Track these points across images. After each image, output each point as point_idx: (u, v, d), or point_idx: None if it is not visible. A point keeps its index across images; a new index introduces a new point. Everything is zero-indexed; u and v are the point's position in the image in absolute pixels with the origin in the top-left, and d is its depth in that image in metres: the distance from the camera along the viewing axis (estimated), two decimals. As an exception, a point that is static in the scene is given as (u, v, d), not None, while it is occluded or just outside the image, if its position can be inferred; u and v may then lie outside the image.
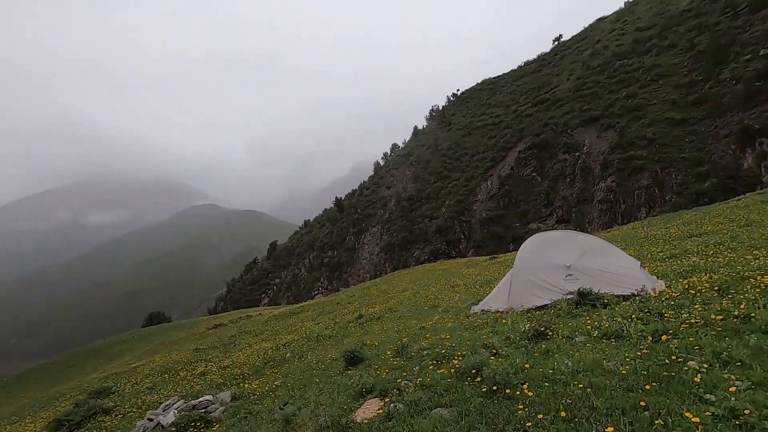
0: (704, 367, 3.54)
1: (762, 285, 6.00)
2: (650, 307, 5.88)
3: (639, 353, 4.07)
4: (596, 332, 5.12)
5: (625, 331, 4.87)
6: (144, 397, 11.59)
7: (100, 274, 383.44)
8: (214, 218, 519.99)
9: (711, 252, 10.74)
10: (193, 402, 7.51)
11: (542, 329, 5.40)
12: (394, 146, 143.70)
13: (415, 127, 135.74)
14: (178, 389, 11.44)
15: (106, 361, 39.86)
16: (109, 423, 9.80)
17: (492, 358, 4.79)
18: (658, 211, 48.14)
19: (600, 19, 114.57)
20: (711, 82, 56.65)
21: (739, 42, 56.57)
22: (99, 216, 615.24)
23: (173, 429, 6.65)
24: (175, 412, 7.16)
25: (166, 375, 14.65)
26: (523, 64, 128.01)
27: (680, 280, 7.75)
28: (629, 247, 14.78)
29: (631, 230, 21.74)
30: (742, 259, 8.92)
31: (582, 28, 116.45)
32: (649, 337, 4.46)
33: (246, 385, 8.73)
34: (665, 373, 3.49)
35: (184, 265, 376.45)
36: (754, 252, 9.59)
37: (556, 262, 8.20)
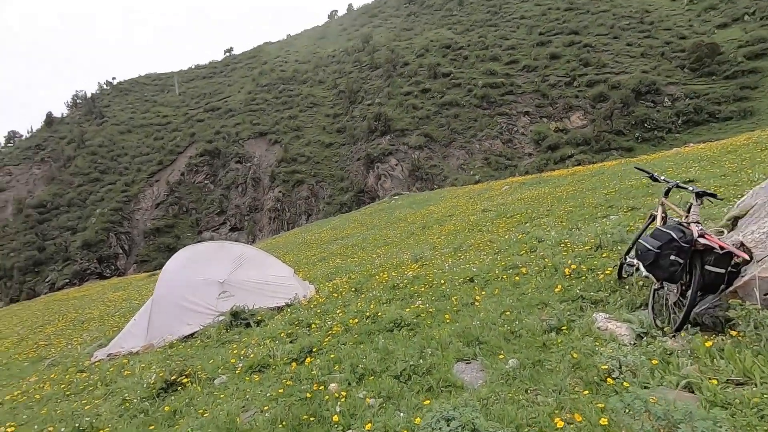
0: (344, 391, 3.18)
1: (383, 281, 6.92)
2: (300, 318, 5.62)
3: (282, 389, 3.40)
4: (241, 365, 4.24)
5: (272, 358, 4.20)
6: None
7: None
8: None
9: (349, 253, 12.46)
10: None
11: (173, 377, 4.05)
12: (14, 134, 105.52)
13: (50, 114, 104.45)
14: None
15: None
16: None
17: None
18: (315, 218, 56.12)
19: (267, 43, 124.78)
20: (347, 116, 71.56)
21: (364, 90, 74.27)
22: None
23: None
24: None
25: None
26: (194, 66, 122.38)
27: (327, 282, 8.22)
28: (289, 253, 15.57)
29: (292, 236, 23.59)
30: (369, 257, 10.61)
31: (252, 47, 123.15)
32: (293, 364, 3.92)
33: None
34: (305, 416, 2.88)
35: None
36: (377, 251, 11.72)
37: (209, 277, 7.04)
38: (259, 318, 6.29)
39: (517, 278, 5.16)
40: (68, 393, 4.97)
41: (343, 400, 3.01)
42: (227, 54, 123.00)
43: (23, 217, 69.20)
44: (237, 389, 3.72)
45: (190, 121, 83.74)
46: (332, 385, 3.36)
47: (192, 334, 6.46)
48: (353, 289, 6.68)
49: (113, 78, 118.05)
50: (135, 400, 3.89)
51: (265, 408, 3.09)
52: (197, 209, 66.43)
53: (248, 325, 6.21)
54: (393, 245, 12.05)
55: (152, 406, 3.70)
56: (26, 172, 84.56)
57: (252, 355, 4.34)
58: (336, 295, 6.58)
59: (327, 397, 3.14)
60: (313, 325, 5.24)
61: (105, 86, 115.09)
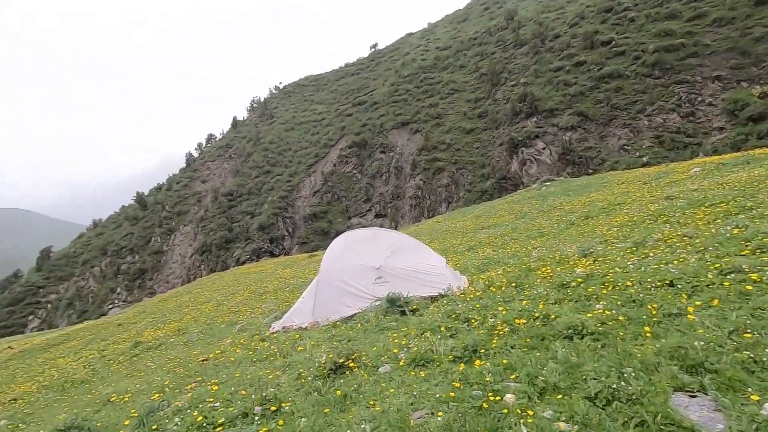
0: (526, 408, 2.76)
1: (547, 277, 6.17)
2: (457, 312, 5.34)
3: (452, 391, 3.14)
4: (404, 356, 4.16)
5: (434, 352, 4.01)
6: None
7: None
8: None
9: (500, 243, 11.74)
10: None
11: (341, 360, 4.18)
12: (211, 137, 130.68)
13: (235, 118, 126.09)
14: None
15: None
16: None
17: (267, 430, 3.27)
18: (455, 206, 55.67)
19: (409, 34, 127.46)
20: (489, 100, 68.59)
21: (508, 70, 70.05)
22: None
23: None
24: None
25: None
26: (344, 65, 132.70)
27: (480, 274, 7.79)
28: (434, 240, 15.54)
29: (435, 223, 23.65)
30: (524, 249, 9.77)
31: (394, 39, 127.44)
32: (461, 365, 3.63)
33: None
34: (483, 430, 2.56)
35: None
36: (532, 242, 10.75)
37: (365, 263, 7.30)
38: (413, 307, 6.24)
39: (746, 287, 3.94)
40: (254, 359, 5.68)
41: (529, 420, 2.59)
42: (372, 50, 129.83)
43: (218, 203, 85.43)
44: (402, 382, 3.61)
45: (341, 115, 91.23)
46: (508, 396, 2.97)
47: (351, 316, 6.78)
48: (513, 284, 6.11)
49: (280, 83, 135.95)
50: (309, 378, 4.13)
51: (438, 412, 2.87)
52: (347, 197, 72.37)
53: (403, 312, 6.21)
54: (549, 236, 10.92)
55: (324, 386, 3.86)
56: (219, 167, 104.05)
57: (414, 348, 4.22)
58: (493, 289, 6.11)
59: (506, 410, 2.76)
60: (472, 321, 4.90)
61: (274, 90, 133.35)
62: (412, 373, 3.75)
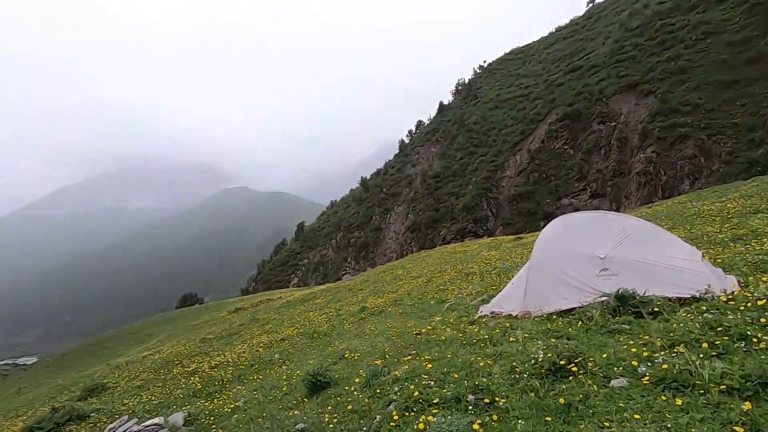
0: None
1: None
2: (724, 323, 4.04)
3: (731, 438, 2.32)
4: (646, 371, 3.36)
5: (695, 375, 3.09)
6: (126, 401, 10.68)
7: (142, 257, 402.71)
8: (245, 201, 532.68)
9: (789, 233, 8.50)
10: (136, 428, 6.34)
11: (562, 361, 3.69)
12: (420, 123, 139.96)
13: (441, 103, 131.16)
14: (158, 392, 10.44)
15: (136, 343, 40.71)
16: (74, 436, 8.87)
17: (480, 423, 3.13)
18: (704, 182, 44.06)
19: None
20: (766, 39, 50.59)
21: (805, -12, 49.96)
22: (140, 201, 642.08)
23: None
24: (112, 441, 6.02)
25: (162, 371, 13.83)
26: (554, 30, 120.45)
27: (759, 275, 5.75)
28: (676, 227, 12.54)
29: (677, 205, 19.12)
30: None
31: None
32: (746, 404, 2.65)
33: (209, 404, 7.48)
34: None
35: (219, 247, 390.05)
36: None
37: (587, 251, 6.34)
38: (654, 309, 5.07)
39: None
40: (464, 342, 5.69)
41: None
42: (590, 5, 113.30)
43: (426, 185, 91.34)
44: (647, 406, 2.91)
45: (550, 87, 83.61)
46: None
47: (569, 310, 6.03)
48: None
49: (484, 61, 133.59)
50: (524, 375, 3.82)
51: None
52: (556, 175, 66.36)
53: (639, 315, 5.12)
54: None
55: (542, 387, 3.49)
56: (427, 151, 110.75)
57: (664, 365, 3.36)
58: (787, 298, 4.38)
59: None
60: (753, 340, 3.61)
61: (478, 70, 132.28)
62: (662, 396, 2.98)
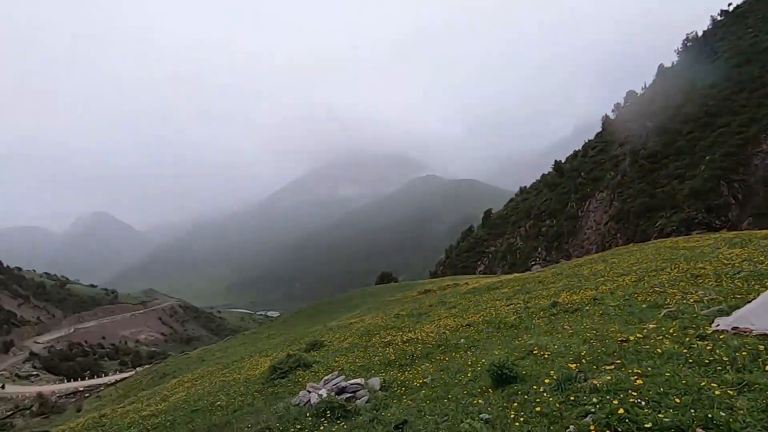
0: None
1: None
2: None
3: None
4: None
5: None
6: (337, 359, 12.68)
7: (348, 239, 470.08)
8: (434, 188, 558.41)
9: None
10: (343, 384, 7.41)
11: None
12: (630, 94, 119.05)
13: (661, 66, 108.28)
14: (361, 356, 12.00)
15: (345, 310, 47.92)
16: (301, 378, 11.01)
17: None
18: None
19: None
20: None
21: None
22: (347, 190, 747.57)
23: (313, 411, 6.64)
24: (326, 392, 7.18)
25: (364, 337, 15.86)
26: None
27: None
28: None
29: None
30: None
31: None
32: None
33: (400, 375, 8.14)
34: None
35: (412, 232, 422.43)
36: None
37: None
38: None
39: None
40: (690, 360, 4.58)
41: None
42: None
43: (637, 167, 77.51)
44: None
45: None
46: None
47: None
48: None
49: (729, 4, 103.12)
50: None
51: None
52: None
53: None
54: None
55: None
56: (640, 126, 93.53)
57: None
58: None
59: None
60: None
61: (718, 17, 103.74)
62: None
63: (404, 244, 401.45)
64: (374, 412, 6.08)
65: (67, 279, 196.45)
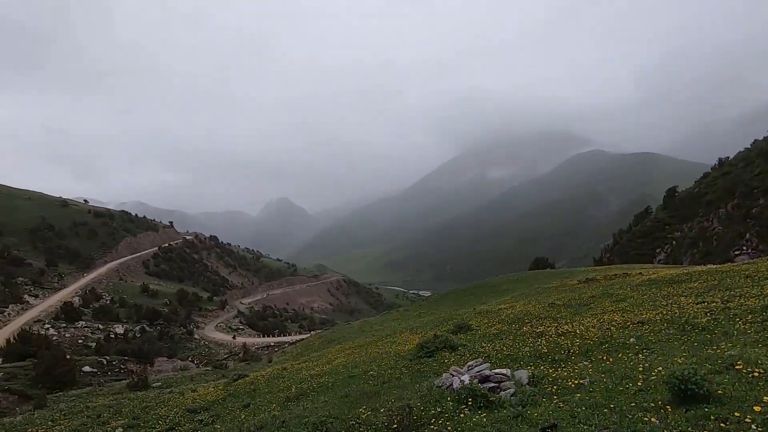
0: None
1: None
2: None
3: None
4: None
5: None
6: (483, 344, 12.30)
7: (498, 222, 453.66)
8: (599, 165, 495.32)
9: None
10: (487, 372, 7.02)
11: None
12: None
13: None
14: (508, 345, 11.35)
15: (495, 295, 46.62)
16: (447, 360, 10.99)
17: None
18: None
19: None
20: None
21: None
22: (497, 172, 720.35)
23: (454, 396, 6.44)
24: (468, 378, 6.91)
25: (513, 325, 15.02)
26: None
27: None
28: None
29: None
30: None
31: None
32: None
33: (552, 371, 7.31)
34: None
35: (571, 215, 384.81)
36: None
37: None
38: None
39: None
40: None
41: None
42: None
43: None
44: None
45: None
46: None
47: None
48: None
49: None
50: None
51: None
52: None
53: None
54: None
55: None
56: None
57: None
58: None
59: None
60: None
61: None
62: None
63: (561, 227, 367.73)
64: (519, 407, 5.61)
65: (260, 253, 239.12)
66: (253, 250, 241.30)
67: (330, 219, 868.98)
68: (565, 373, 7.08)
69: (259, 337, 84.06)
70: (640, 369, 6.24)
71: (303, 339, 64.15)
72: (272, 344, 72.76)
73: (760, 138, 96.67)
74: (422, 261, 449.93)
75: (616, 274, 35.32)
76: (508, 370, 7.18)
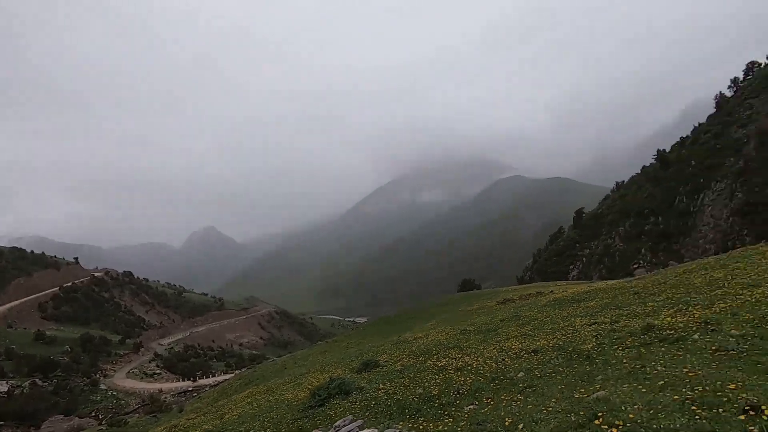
0: None
1: None
2: None
3: None
4: None
5: None
6: (382, 385, 11.25)
7: (431, 245, 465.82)
8: (519, 190, 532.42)
9: None
10: (350, 435, 5.99)
11: None
12: (752, 66, 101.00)
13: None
14: (405, 385, 10.42)
15: (423, 320, 46.22)
16: (337, 410, 9.77)
17: None
18: None
19: None
20: None
21: None
22: (428, 195, 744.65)
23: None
24: (326, 446, 5.84)
25: (420, 358, 14.22)
26: None
27: None
28: None
29: None
30: None
31: None
32: None
33: (425, 426, 6.43)
34: None
35: (496, 237, 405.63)
36: None
37: None
38: None
39: None
40: None
41: None
42: None
43: (765, 150, 64.92)
44: None
45: None
46: None
47: None
48: None
49: None
50: None
51: None
52: None
53: None
54: None
55: None
56: (767, 102, 78.70)
57: None
58: None
59: None
60: None
61: None
62: None
63: (488, 249, 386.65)
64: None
65: (183, 288, 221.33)
66: (174, 285, 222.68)
67: (263, 248, 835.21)
68: (446, 428, 6.21)
69: (179, 381, 76.30)
70: (507, 424, 5.53)
71: (225, 380, 58.85)
72: (191, 389, 66.18)
73: (647, 164, 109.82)
74: (360, 286, 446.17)
75: (530, 294, 36.58)
76: (375, 430, 6.18)
